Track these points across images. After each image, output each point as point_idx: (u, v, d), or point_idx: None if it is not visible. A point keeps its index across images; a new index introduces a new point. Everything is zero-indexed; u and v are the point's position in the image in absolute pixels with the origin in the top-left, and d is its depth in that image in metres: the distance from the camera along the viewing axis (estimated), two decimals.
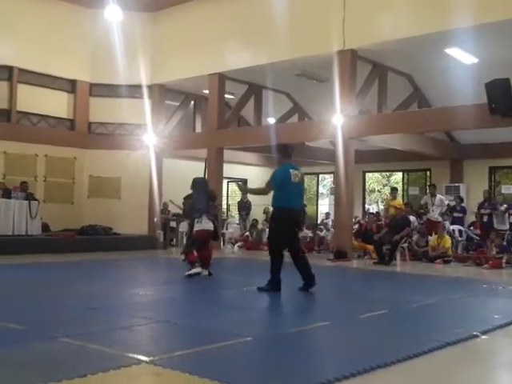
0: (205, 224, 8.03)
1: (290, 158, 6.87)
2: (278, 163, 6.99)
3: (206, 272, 8.06)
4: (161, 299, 6.40)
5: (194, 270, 7.86)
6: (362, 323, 5.02)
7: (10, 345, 3.84)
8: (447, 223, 13.04)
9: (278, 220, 6.63)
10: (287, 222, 6.60)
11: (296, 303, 6.34)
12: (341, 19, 11.66)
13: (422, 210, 13.62)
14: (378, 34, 11.37)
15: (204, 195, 8.28)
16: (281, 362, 3.61)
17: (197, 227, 8.04)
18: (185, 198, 9.61)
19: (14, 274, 8.60)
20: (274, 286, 6.56)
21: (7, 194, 12.15)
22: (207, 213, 8.10)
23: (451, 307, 6.21)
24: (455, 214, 13.45)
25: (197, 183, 8.43)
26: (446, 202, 13.49)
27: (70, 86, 15.60)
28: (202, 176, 8.68)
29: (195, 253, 8.17)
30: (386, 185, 24.98)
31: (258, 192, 7.72)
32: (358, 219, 15.36)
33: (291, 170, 6.64)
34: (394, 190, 14.05)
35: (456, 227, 13.02)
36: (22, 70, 14.40)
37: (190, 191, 8.60)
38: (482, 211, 12.79)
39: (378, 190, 26.63)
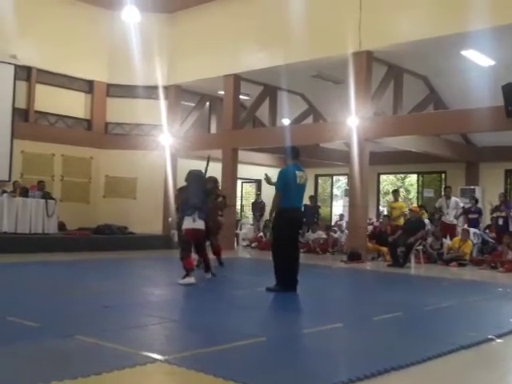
0: (195, 223, 7.24)
1: (297, 159, 6.90)
2: (284, 163, 7.04)
3: (209, 275, 7.81)
4: (175, 298, 6.44)
5: (186, 281, 7.02)
6: (376, 325, 5.02)
7: (26, 342, 3.89)
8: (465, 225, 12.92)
9: (283, 220, 6.65)
10: (291, 221, 6.66)
11: (309, 304, 6.35)
12: (357, 21, 11.64)
13: (437, 215, 13.49)
14: (393, 35, 11.32)
15: (200, 189, 7.50)
16: (294, 362, 3.63)
17: (186, 225, 7.30)
18: (178, 191, 8.65)
19: (31, 271, 8.71)
20: (281, 286, 6.59)
21: (24, 193, 12.31)
22: (200, 210, 7.31)
23: (466, 310, 6.17)
24: (470, 215, 13.31)
25: (192, 175, 7.63)
26: (461, 205, 13.38)
27: (88, 86, 15.74)
28: (201, 169, 7.84)
29: (195, 256, 7.85)
30: (400, 187, 24.84)
31: (277, 202, 6.87)
32: (371, 221, 15.30)
33: (297, 172, 6.70)
34: (395, 192, 14.01)
35: (472, 230, 12.91)
36: (40, 71, 14.54)
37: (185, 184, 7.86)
38: (498, 214, 12.66)
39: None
